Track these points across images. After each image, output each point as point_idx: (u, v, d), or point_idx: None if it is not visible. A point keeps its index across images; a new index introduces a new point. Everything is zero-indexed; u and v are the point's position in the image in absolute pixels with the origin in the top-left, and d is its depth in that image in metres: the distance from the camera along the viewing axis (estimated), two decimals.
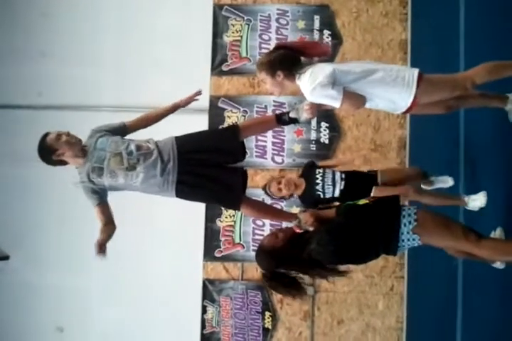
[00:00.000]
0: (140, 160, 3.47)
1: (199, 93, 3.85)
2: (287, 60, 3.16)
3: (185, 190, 3.56)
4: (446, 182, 4.12)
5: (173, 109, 3.81)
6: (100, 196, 3.56)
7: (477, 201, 3.85)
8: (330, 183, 3.89)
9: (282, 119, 3.57)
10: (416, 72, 3.08)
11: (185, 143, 3.58)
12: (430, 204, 3.92)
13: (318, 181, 3.90)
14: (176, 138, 3.61)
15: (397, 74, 3.06)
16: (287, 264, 2.92)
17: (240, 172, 3.71)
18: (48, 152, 3.54)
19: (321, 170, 3.95)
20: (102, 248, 3.58)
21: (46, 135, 3.56)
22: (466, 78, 3.11)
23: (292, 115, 3.50)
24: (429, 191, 4.08)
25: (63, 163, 3.62)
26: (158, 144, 3.56)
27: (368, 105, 3.16)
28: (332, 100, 3.06)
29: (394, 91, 3.06)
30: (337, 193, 3.90)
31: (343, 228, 2.86)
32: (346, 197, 3.83)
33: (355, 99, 3.08)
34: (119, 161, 3.47)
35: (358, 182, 3.93)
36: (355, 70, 3.07)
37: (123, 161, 3.47)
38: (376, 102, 3.14)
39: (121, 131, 3.67)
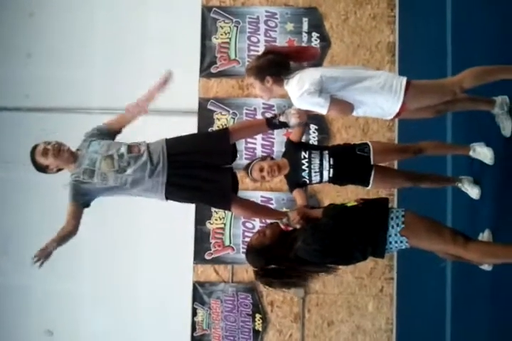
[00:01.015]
0: (131, 163, 3.46)
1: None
2: (276, 65, 3.16)
3: (175, 191, 3.54)
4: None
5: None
6: (80, 198, 3.54)
7: (470, 191, 3.78)
8: (317, 170, 3.65)
9: (273, 123, 3.56)
10: (404, 80, 3.10)
11: (175, 145, 3.57)
12: (426, 188, 3.89)
13: (304, 168, 3.65)
14: (167, 140, 3.60)
15: (385, 82, 3.08)
16: (277, 261, 2.94)
17: (229, 172, 3.71)
18: (41, 169, 3.56)
19: (306, 155, 3.64)
20: (43, 253, 3.49)
21: (34, 150, 3.51)
22: (454, 83, 3.13)
23: (282, 119, 3.50)
24: (428, 176, 3.90)
25: (60, 169, 3.62)
26: (149, 146, 3.56)
27: (355, 113, 3.18)
28: (319, 107, 3.08)
29: (382, 99, 3.08)
30: (325, 179, 3.68)
31: (328, 229, 2.87)
32: (336, 181, 3.79)
33: (343, 106, 3.10)
34: (110, 164, 3.46)
35: (348, 166, 3.68)
36: (342, 77, 3.08)
37: (114, 164, 3.46)
38: (364, 109, 3.16)
39: (108, 131, 3.67)
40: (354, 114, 3.19)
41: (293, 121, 3.38)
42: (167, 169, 3.49)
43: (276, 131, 5.62)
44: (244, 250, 3.09)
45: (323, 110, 3.08)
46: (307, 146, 3.79)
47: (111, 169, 3.46)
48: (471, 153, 3.69)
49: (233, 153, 3.67)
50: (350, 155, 3.68)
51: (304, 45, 5.63)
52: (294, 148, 3.73)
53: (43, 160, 3.50)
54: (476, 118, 3.75)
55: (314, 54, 3.37)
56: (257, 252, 2.98)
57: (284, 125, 3.53)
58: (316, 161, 3.64)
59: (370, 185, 3.75)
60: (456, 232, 2.95)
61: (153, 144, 3.58)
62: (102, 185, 3.49)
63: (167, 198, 3.59)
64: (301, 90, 3.04)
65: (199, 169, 3.54)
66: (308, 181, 3.70)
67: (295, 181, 3.74)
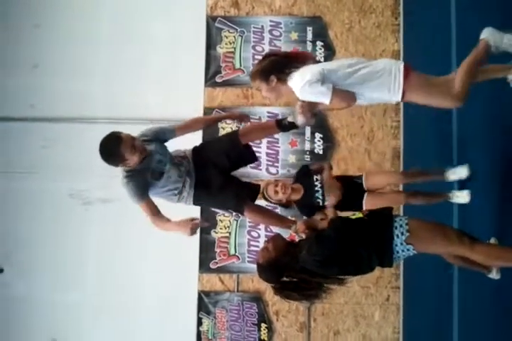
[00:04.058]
0: (186, 170, 3.65)
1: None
2: (278, 65, 3.26)
3: (199, 196, 3.72)
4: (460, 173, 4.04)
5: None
6: (144, 193, 3.59)
7: (460, 198, 4.00)
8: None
9: (283, 124, 3.65)
10: (401, 65, 3.13)
11: (196, 153, 3.75)
12: (421, 204, 4.09)
13: (317, 188, 3.93)
14: (194, 147, 3.80)
15: (384, 69, 3.11)
16: (288, 271, 2.94)
17: (251, 184, 3.92)
18: (117, 160, 3.47)
19: (318, 178, 3.98)
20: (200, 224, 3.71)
21: (119, 141, 3.41)
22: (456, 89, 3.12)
23: (290, 119, 3.58)
24: (419, 192, 4.16)
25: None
26: (186, 153, 3.76)
27: (359, 102, 3.21)
28: (322, 97, 3.12)
29: (383, 87, 3.11)
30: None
31: (332, 240, 2.88)
32: (341, 204, 3.91)
33: (345, 95, 3.14)
34: (178, 171, 3.62)
35: (349, 190, 4.01)
36: (343, 69, 3.14)
37: (180, 172, 3.63)
38: (366, 97, 3.19)
39: (172, 135, 3.72)
40: (358, 102, 3.21)
41: (299, 118, 3.42)
42: (194, 175, 3.67)
43: (281, 140, 5.63)
44: (256, 271, 3.09)
45: (326, 99, 3.12)
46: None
47: (177, 175, 3.62)
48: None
49: (249, 154, 3.76)
50: (348, 181, 4.12)
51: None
52: (307, 175, 4.03)
53: (128, 154, 3.41)
54: (483, 124, 3.75)
55: (310, 57, 3.49)
56: (267, 268, 3.00)
57: (293, 125, 3.60)
58: None
59: (364, 207, 3.95)
60: (463, 233, 2.96)
61: (187, 151, 3.78)
62: (160, 185, 3.61)
63: (194, 203, 3.77)
64: (303, 81, 3.11)
65: (217, 174, 3.71)
66: (321, 202, 3.91)
67: (309, 203, 3.92)
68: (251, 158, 3.86)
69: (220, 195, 3.69)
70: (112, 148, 3.41)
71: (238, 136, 3.70)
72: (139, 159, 3.47)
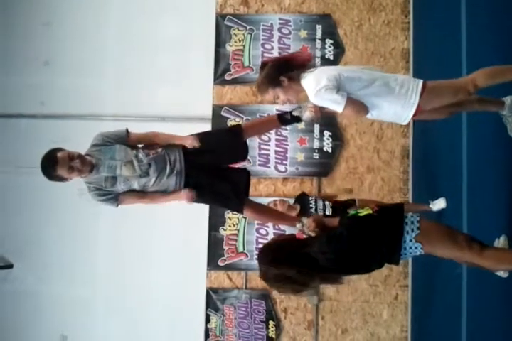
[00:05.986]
0: (151, 165, 3.50)
1: None
2: (281, 66, 3.19)
3: (193, 192, 3.59)
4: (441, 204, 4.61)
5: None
6: (113, 194, 3.55)
7: (437, 205, 4.57)
8: (321, 208, 4.68)
9: (284, 118, 3.59)
10: (420, 83, 3.09)
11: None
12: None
13: (311, 205, 4.70)
14: None
15: (402, 85, 3.08)
16: (287, 261, 2.90)
17: (244, 173, 3.76)
18: (56, 180, 3.54)
19: (313, 198, 4.83)
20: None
21: (54, 164, 3.44)
22: (467, 82, 3.11)
23: (295, 113, 3.53)
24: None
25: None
26: (166, 147, 3.60)
27: (370, 115, 3.17)
28: (335, 105, 3.06)
29: (396, 103, 3.08)
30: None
31: (344, 239, 2.86)
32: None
33: (358, 106, 3.08)
34: (132, 169, 3.49)
35: (340, 209, 4.56)
36: (359, 78, 3.09)
37: (135, 168, 3.49)
38: (378, 112, 3.15)
39: (124, 139, 3.62)
40: (368, 116, 3.18)
41: (307, 114, 3.41)
42: (184, 169, 3.53)
43: (289, 137, 5.63)
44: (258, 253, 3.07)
45: (339, 107, 3.06)
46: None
47: (133, 174, 3.48)
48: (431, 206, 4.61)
49: (245, 150, 3.71)
50: (340, 203, 4.90)
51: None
52: (304, 197, 4.97)
53: (66, 174, 3.47)
54: (491, 122, 3.73)
55: (306, 57, 3.40)
56: (267, 247, 2.95)
57: (297, 119, 3.55)
58: (320, 203, 4.75)
59: None
60: (472, 239, 2.91)
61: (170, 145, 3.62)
62: (125, 187, 3.52)
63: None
64: (318, 86, 3.03)
65: (214, 168, 3.60)
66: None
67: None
68: (245, 154, 3.74)
69: (217, 191, 3.58)
70: (49, 170, 3.46)
71: (242, 131, 3.62)
72: (79, 176, 3.48)
